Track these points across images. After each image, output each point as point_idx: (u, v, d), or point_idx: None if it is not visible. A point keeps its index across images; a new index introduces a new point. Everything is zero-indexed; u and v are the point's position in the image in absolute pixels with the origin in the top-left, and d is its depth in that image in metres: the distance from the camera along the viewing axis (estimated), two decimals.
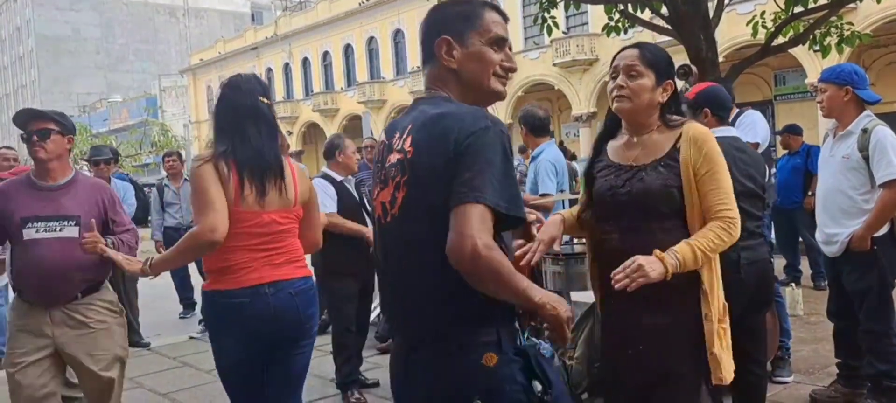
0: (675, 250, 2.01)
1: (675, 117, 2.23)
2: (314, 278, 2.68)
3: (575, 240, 3.86)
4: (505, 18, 1.68)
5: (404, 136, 1.60)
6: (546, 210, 4.11)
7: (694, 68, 4.78)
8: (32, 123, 2.95)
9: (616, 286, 1.96)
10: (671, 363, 2.14)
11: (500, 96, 1.67)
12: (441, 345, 1.55)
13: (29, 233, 2.91)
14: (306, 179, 2.64)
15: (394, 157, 1.61)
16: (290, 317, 2.49)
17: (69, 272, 2.92)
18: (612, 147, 2.32)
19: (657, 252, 2.00)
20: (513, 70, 1.67)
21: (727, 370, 2.12)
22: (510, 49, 1.69)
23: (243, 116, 2.45)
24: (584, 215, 2.38)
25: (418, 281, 1.57)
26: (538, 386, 1.52)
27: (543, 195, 4.33)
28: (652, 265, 1.95)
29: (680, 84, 3.95)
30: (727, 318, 2.16)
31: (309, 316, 2.56)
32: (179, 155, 7.69)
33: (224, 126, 2.49)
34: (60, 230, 2.92)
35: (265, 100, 2.50)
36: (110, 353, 3.08)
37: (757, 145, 3.84)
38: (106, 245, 2.88)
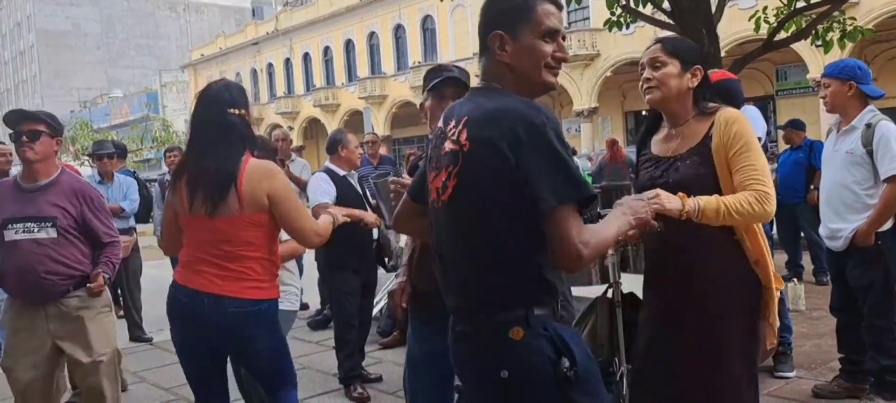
0: (700, 198, 2.05)
1: (711, 104, 2.28)
2: (269, 301, 2.57)
3: None
4: (559, 6, 1.71)
5: (460, 128, 1.65)
6: None
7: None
8: (22, 124, 2.98)
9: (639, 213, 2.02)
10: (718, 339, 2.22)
11: (552, 87, 1.72)
12: (476, 319, 1.67)
13: (9, 235, 2.95)
14: (263, 187, 2.45)
15: (448, 146, 1.68)
16: (227, 333, 2.49)
17: (48, 273, 2.94)
18: (655, 140, 2.41)
19: (681, 194, 2.05)
20: (565, 60, 1.72)
21: (774, 336, 2.25)
22: (564, 38, 1.72)
23: (199, 128, 2.53)
24: None
25: (460, 261, 1.69)
26: (566, 362, 1.59)
27: None
28: (669, 198, 2.00)
29: None
30: (777, 293, 2.24)
31: (249, 337, 2.52)
32: (181, 150, 7.70)
33: (192, 136, 2.58)
34: (37, 231, 2.94)
35: (234, 111, 2.50)
36: (105, 345, 3.11)
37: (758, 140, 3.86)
38: (105, 279, 3.07)
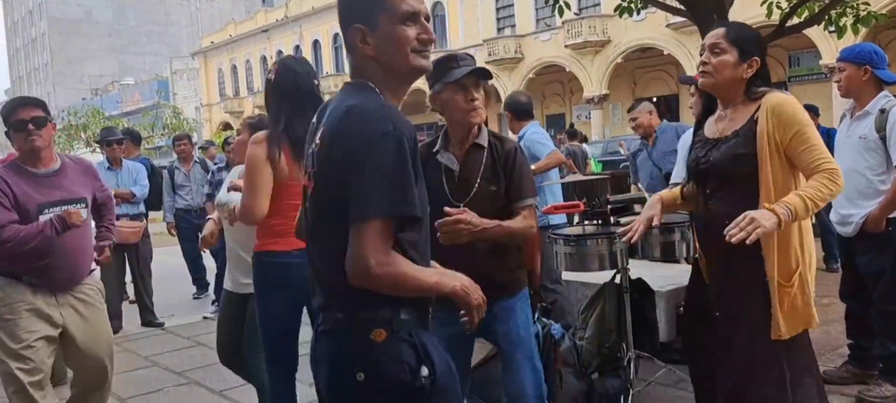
0: (786, 201, 2.12)
1: (760, 89, 2.34)
2: None
3: (586, 222, 3.86)
4: None
5: (320, 127, 1.61)
6: (558, 164, 4.52)
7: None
8: (24, 111, 2.94)
9: (733, 240, 2.05)
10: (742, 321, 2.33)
11: (423, 70, 1.64)
12: (338, 317, 1.60)
13: (46, 219, 2.94)
14: None
15: (311, 147, 1.64)
16: None
17: (84, 253, 3.03)
18: (709, 122, 2.51)
19: (767, 205, 2.12)
20: (430, 41, 1.62)
21: (786, 328, 2.27)
22: (427, 19, 1.63)
23: (291, 96, 2.70)
24: (686, 188, 2.62)
25: (323, 259, 1.62)
26: (425, 371, 1.55)
27: (550, 155, 4.49)
28: (764, 217, 2.05)
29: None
30: (797, 279, 2.28)
31: None
32: (189, 138, 7.76)
33: (282, 105, 2.71)
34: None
35: (317, 82, 2.78)
36: (107, 334, 3.20)
37: None
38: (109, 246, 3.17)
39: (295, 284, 2.63)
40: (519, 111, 4.71)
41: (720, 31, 2.35)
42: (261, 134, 2.71)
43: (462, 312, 1.66)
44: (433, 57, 1.84)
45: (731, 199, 2.29)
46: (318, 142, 1.58)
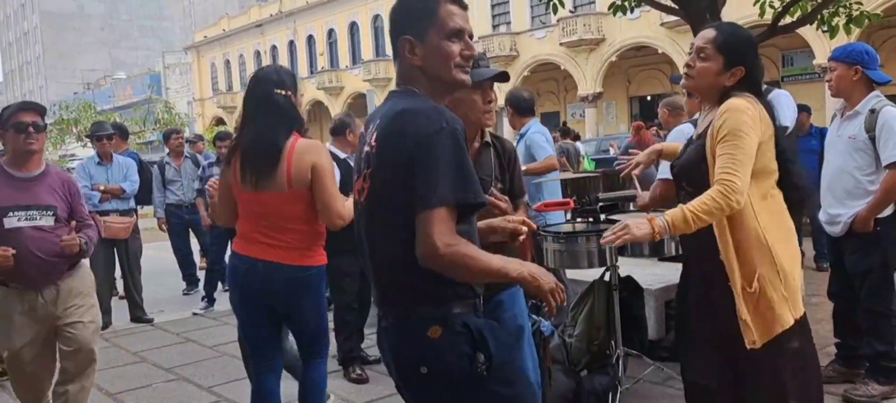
0: (668, 213, 2.14)
1: (731, 93, 2.29)
2: (317, 268, 2.84)
3: (577, 219, 3.86)
4: (462, 6, 1.77)
5: (373, 131, 1.73)
6: (551, 170, 4.45)
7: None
8: (27, 115, 3.07)
9: (602, 243, 2.19)
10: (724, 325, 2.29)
11: (464, 84, 1.77)
12: (398, 318, 1.74)
13: (10, 222, 3.02)
14: (307, 162, 2.66)
15: (365, 149, 1.75)
16: (279, 296, 2.77)
17: (50, 257, 3.08)
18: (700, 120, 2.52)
19: (647, 215, 2.15)
20: (471, 57, 1.77)
21: (758, 334, 2.20)
22: (470, 37, 1.78)
23: (249, 107, 2.74)
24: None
25: (382, 261, 1.74)
26: (481, 357, 1.66)
27: (547, 159, 4.49)
28: (639, 225, 2.12)
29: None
30: (757, 284, 2.21)
31: (298, 300, 2.80)
32: (180, 132, 7.75)
33: (243, 116, 2.80)
34: (39, 219, 3.07)
35: (281, 92, 2.70)
36: (94, 323, 3.29)
37: (785, 129, 3.77)
38: (81, 245, 3.12)
39: (236, 285, 2.81)
40: (521, 107, 4.70)
41: (710, 34, 2.30)
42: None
43: (532, 302, 1.71)
44: None
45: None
46: (372, 144, 1.70)
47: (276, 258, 2.69)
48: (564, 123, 18.27)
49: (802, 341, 2.33)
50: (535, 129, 4.64)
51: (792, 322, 2.23)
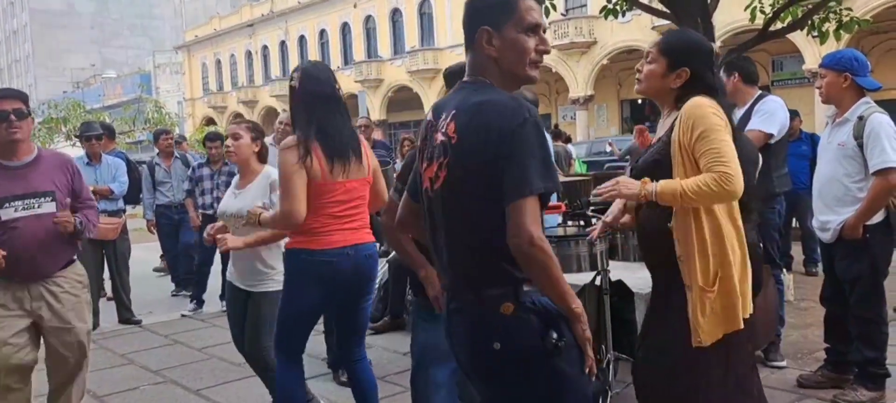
0: (661, 181, 2.15)
1: (687, 98, 2.29)
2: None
3: (569, 223, 3.86)
4: (539, 1, 1.79)
5: (448, 120, 1.75)
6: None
7: None
8: (6, 103, 2.94)
9: (597, 198, 2.19)
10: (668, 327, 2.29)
11: (533, 80, 1.81)
12: (469, 297, 1.78)
13: (7, 213, 2.93)
14: (370, 151, 3.02)
15: (439, 137, 1.78)
16: (363, 276, 2.94)
17: (52, 247, 3.00)
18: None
19: (644, 179, 2.17)
20: (547, 53, 1.80)
21: (707, 333, 2.18)
22: (544, 31, 1.80)
23: (322, 103, 2.86)
24: None
25: (452, 243, 1.80)
26: (554, 335, 1.70)
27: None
28: (628, 184, 2.17)
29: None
30: (717, 286, 2.18)
31: (373, 276, 3.05)
32: (170, 133, 7.70)
33: (312, 110, 2.84)
34: (38, 207, 2.97)
35: (338, 87, 2.93)
36: (84, 326, 3.17)
37: (769, 136, 3.76)
38: (76, 224, 3.01)
39: (327, 281, 2.84)
40: None
41: (657, 39, 2.41)
42: (290, 139, 2.81)
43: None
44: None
45: (656, 207, 2.24)
46: (450, 134, 1.72)
47: (362, 239, 2.90)
48: (556, 126, 18.27)
49: (749, 342, 2.36)
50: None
51: (742, 324, 2.22)
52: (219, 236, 3.24)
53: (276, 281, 3.24)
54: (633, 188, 2.18)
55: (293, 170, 2.75)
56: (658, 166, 2.26)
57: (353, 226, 2.88)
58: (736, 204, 2.24)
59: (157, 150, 7.40)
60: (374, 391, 3.06)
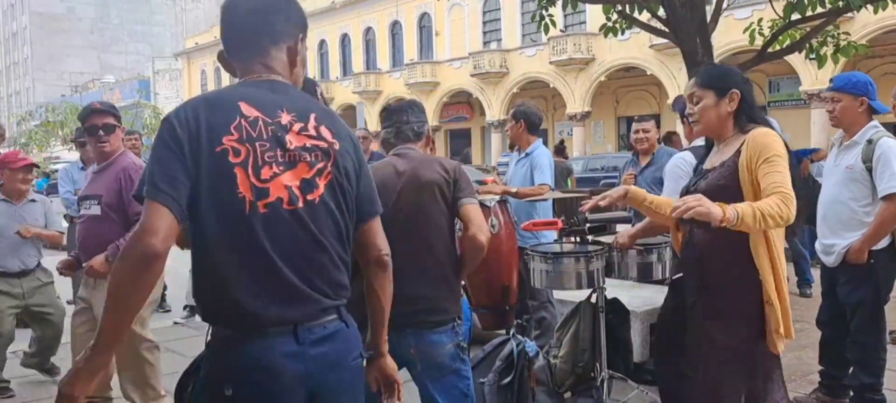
0: (736, 206, 2.16)
1: (751, 124, 2.43)
2: None
3: (564, 239, 3.85)
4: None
5: (314, 124, 1.62)
6: (540, 195, 4.31)
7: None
8: (95, 117, 3.29)
9: (674, 214, 2.19)
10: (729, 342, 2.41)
11: None
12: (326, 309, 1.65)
13: (83, 209, 3.37)
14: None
15: (307, 142, 1.59)
16: None
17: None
18: (710, 155, 2.60)
19: (721, 203, 2.17)
20: None
21: (783, 343, 2.40)
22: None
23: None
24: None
25: (326, 256, 1.62)
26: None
27: (542, 185, 4.37)
28: (710, 206, 2.11)
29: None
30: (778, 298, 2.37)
31: None
32: (139, 135, 7.58)
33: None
34: (90, 208, 3.27)
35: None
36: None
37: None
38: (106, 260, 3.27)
39: None
40: (533, 123, 4.55)
41: (691, 81, 2.50)
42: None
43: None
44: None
45: (712, 232, 2.31)
46: (331, 140, 1.66)
47: None
48: (561, 142, 18.20)
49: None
50: (542, 152, 4.52)
51: (793, 330, 2.43)
52: None
53: None
54: (716, 211, 2.11)
55: None
56: (723, 190, 2.33)
57: None
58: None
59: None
60: None
